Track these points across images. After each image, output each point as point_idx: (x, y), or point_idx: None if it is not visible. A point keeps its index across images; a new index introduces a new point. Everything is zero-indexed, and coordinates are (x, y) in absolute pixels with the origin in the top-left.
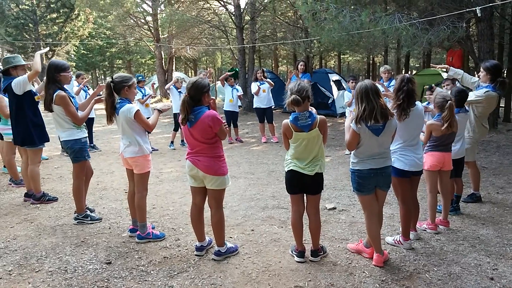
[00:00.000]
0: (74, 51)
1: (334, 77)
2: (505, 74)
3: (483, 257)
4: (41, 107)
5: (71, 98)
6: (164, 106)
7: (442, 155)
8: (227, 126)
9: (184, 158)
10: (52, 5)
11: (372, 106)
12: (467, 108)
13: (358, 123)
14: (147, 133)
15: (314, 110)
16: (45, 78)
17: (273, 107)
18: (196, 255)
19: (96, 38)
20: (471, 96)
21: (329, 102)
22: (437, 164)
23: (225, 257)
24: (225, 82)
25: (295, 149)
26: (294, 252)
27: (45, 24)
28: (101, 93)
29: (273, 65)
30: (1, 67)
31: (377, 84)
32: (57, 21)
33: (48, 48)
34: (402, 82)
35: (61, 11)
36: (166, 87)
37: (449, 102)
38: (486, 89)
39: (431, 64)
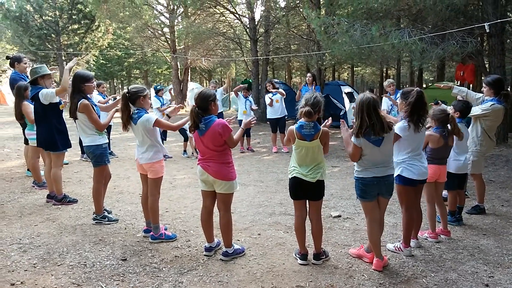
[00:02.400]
0: (93, 61)
1: (346, 89)
2: None
3: (481, 265)
4: (65, 114)
5: (93, 106)
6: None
7: (438, 168)
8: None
9: (196, 165)
10: (74, 17)
11: (371, 120)
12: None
13: (357, 136)
14: (162, 140)
15: (330, 120)
16: (70, 86)
17: (286, 117)
18: (205, 255)
19: (115, 49)
20: (478, 110)
21: (341, 113)
22: (433, 176)
23: (232, 258)
24: (239, 93)
25: (297, 155)
26: (297, 255)
27: (66, 34)
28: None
29: (286, 76)
30: (29, 77)
31: (385, 98)
32: (78, 32)
33: (76, 60)
34: (419, 95)
35: (82, 23)
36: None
37: (450, 115)
38: (491, 102)
39: (435, 84)
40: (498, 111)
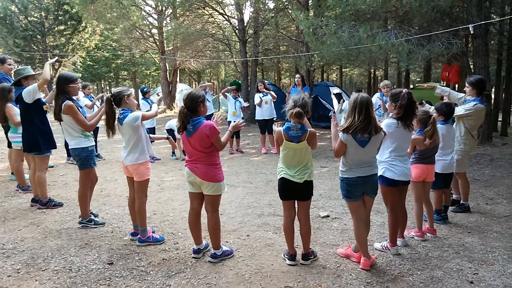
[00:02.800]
0: (80, 62)
1: (335, 90)
2: (504, 89)
3: (466, 262)
4: (50, 116)
5: (78, 107)
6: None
7: (426, 167)
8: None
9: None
10: (60, 18)
11: (365, 120)
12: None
13: (346, 133)
14: (150, 140)
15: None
16: (54, 88)
17: (275, 118)
18: (193, 257)
19: (102, 50)
20: (461, 110)
21: (329, 114)
22: (421, 175)
23: (220, 260)
24: (227, 94)
25: (285, 156)
26: (285, 256)
27: (52, 35)
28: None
29: (275, 77)
30: (13, 79)
31: (376, 96)
32: (64, 33)
33: (56, 58)
34: (409, 97)
35: (68, 24)
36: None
37: (432, 117)
38: (474, 102)
39: (420, 84)
40: (480, 111)
